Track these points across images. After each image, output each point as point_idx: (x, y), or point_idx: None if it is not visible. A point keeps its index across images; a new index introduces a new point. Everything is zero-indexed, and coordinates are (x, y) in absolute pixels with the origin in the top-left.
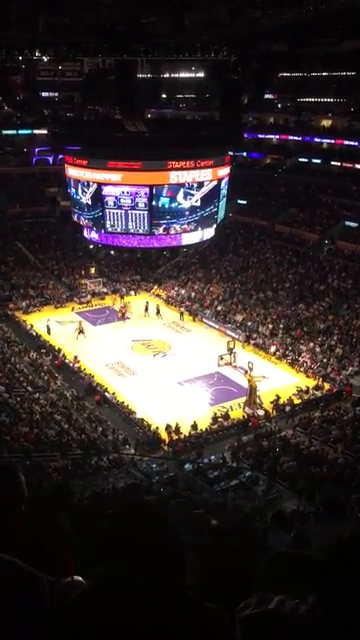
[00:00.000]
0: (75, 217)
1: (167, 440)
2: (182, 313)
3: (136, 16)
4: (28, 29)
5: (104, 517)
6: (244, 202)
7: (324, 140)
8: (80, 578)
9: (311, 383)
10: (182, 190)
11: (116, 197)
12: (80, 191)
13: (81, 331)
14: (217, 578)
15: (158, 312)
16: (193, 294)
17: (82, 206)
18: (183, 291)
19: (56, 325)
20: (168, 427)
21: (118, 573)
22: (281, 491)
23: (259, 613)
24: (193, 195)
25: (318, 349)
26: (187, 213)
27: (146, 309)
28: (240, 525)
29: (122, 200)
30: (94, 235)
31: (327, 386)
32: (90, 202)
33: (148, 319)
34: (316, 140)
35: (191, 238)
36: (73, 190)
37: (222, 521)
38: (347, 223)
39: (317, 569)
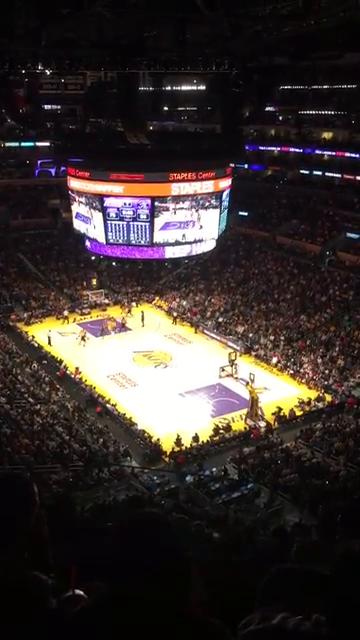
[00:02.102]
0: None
1: (168, 452)
2: (175, 318)
3: (138, 30)
4: (31, 43)
5: (110, 531)
6: (245, 214)
7: (325, 152)
8: (82, 592)
9: (313, 395)
10: None
11: (118, 209)
12: None
13: (83, 338)
14: (219, 592)
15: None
16: (195, 307)
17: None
18: (184, 302)
19: (57, 336)
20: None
21: (122, 588)
22: (283, 503)
23: (262, 629)
24: None
25: (320, 360)
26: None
27: (142, 318)
28: (242, 538)
29: (124, 212)
30: (87, 244)
31: (329, 398)
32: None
33: (146, 329)
34: (317, 152)
35: (176, 252)
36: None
37: (224, 534)
38: (348, 235)
39: (324, 585)
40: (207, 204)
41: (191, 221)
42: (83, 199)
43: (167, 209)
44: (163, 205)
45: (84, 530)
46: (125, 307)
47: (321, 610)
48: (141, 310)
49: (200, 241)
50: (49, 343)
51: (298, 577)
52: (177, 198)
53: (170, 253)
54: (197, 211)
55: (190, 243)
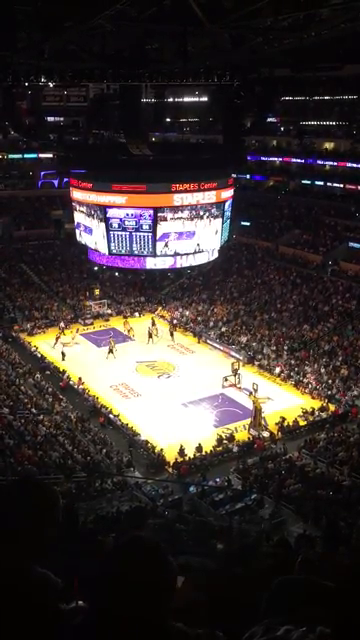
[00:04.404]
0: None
1: (171, 462)
2: (175, 326)
3: (140, 42)
4: (34, 55)
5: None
6: (247, 224)
7: (327, 162)
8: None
9: (316, 404)
10: None
11: (120, 219)
12: None
13: (111, 351)
14: (223, 605)
15: (153, 323)
16: (199, 317)
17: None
18: (187, 312)
19: (61, 347)
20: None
21: (105, 607)
22: (287, 514)
23: None
24: None
25: (323, 370)
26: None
27: (153, 324)
28: (247, 550)
29: (127, 222)
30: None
31: (332, 407)
32: None
33: (154, 337)
34: (319, 162)
35: (157, 263)
36: None
37: (228, 545)
38: (351, 244)
39: (328, 597)
40: (208, 214)
41: (193, 232)
42: (85, 209)
43: (165, 219)
44: (166, 215)
45: (87, 541)
46: (127, 325)
47: (326, 622)
48: (151, 318)
49: (194, 253)
50: (62, 358)
51: (302, 589)
52: (181, 209)
53: (151, 264)
54: (200, 221)
55: (174, 255)
